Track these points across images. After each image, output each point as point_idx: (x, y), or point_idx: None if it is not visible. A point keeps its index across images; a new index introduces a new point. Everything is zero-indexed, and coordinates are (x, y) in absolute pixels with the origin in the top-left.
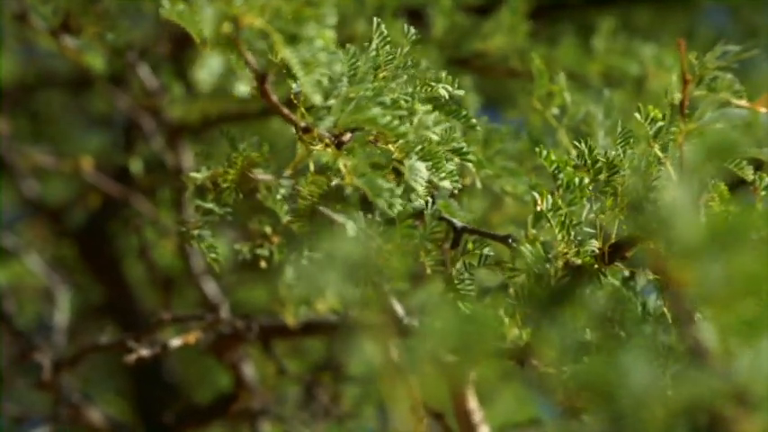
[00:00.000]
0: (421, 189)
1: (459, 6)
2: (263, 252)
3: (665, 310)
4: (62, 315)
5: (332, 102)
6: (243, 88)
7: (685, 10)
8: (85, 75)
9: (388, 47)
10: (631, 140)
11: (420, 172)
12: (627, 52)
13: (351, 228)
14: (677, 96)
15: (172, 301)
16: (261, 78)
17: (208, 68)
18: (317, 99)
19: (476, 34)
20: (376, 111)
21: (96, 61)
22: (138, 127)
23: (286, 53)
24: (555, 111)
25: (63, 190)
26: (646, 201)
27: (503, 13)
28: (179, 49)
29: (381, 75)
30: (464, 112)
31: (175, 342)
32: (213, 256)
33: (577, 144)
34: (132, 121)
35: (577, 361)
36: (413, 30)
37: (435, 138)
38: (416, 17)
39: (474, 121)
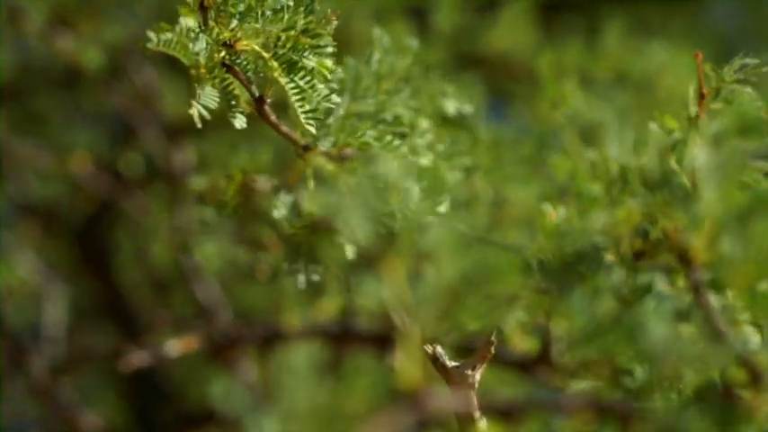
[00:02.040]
0: (412, 212)
1: (464, 1)
2: (263, 263)
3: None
4: (57, 317)
5: (331, 120)
6: (240, 122)
7: (695, 4)
8: (79, 71)
9: (390, 57)
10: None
11: (413, 196)
12: (637, 51)
13: (350, 250)
14: (694, 110)
15: (169, 304)
16: (259, 100)
17: (203, 102)
18: (312, 130)
19: (481, 32)
20: (372, 133)
21: (92, 58)
22: (134, 125)
23: (283, 82)
24: (565, 113)
25: (57, 189)
26: (665, 177)
27: (509, 11)
28: None
29: (384, 88)
30: (470, 124)
31: (173, 348)
32: (212, 264)
33: (590, 152)
34: (128, 118)
35: (595, 331)
36: (415, 42)
37: (426, 162)
38: (419, 15)
39: (482, 134)
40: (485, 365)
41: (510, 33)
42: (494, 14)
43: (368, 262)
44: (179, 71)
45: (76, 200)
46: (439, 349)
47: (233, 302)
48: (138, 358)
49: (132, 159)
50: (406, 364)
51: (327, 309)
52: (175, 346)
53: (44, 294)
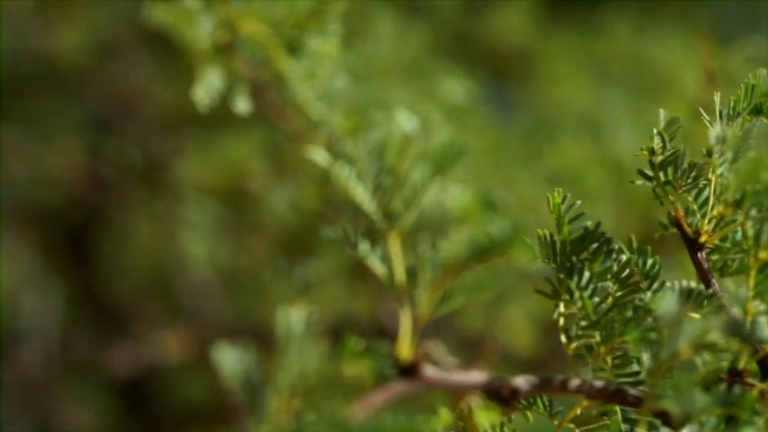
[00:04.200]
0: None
1: None
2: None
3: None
4: (48, 316)
5: (330, 106)
6: (242, 106)
7: None
8: (68, 62)
9: (392, 45)
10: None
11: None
12: (637, 36)
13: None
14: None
15: (161, 303)
16: (259, 90)
17: (206, 85)
18: (317, 110)
19: (485, 21)
20: (376, 116)
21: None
22: (123, 118)
23: (286, 65)
24: (568, 102)
25: (44, 186)
26: (673, 157)
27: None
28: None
29: (386, 75)
30: (474, 120)
31: (168, 345)
32: (203, 260)
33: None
34: (115, 111)
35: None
36: (421, 26)
37: (442, 143)
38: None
39: (484, 121)
40: (486, 363)
41: (514, 23)
42: (498, 4)
43: (374, 236)
44: (172, 60)
45: (64, 196)
46: (438, 348)
47: (228, 300)
48: (130, 360)
49: (120, 153)
50: (403, 338)
51: (325, 304)
52: (169, 344)
53: (36, 293)
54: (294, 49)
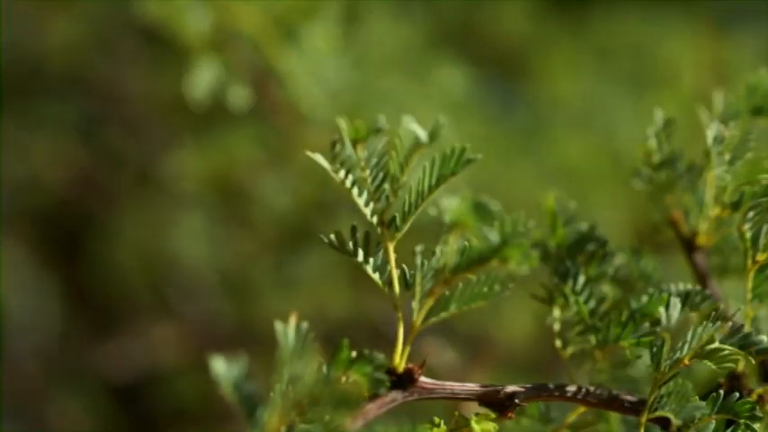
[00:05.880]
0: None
1: None
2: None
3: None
4: (46, 316)
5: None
6: (238, 101)
7: None
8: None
9: (390, 36)
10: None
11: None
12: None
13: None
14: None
15: (157, 301)
16: (256, 85)
17: (200, 81)
18: (308, 105)
19: (486, 16)
20: (372, 109)
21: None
22: (118, 118)
23: (281, 59)
24: (568, 95)
25: (34, 184)
26: (670, 158)
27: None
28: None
29: (384, 66)
30: (475, 113)
31: (163, 342)
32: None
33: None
34: (111, 111)
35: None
36: (419, 17)
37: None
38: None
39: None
40: (486, 365)
41: (514, 17)
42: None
43: (371, 239)
44: (166, 54)
45: (58, 196)
46: (438, 344)
47: (223, 299)
48: (124, 360)
49: (113, 152)
50: (397, 347)
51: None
52: (164, 344)
53: (30, 294)
54: (292, 43)
